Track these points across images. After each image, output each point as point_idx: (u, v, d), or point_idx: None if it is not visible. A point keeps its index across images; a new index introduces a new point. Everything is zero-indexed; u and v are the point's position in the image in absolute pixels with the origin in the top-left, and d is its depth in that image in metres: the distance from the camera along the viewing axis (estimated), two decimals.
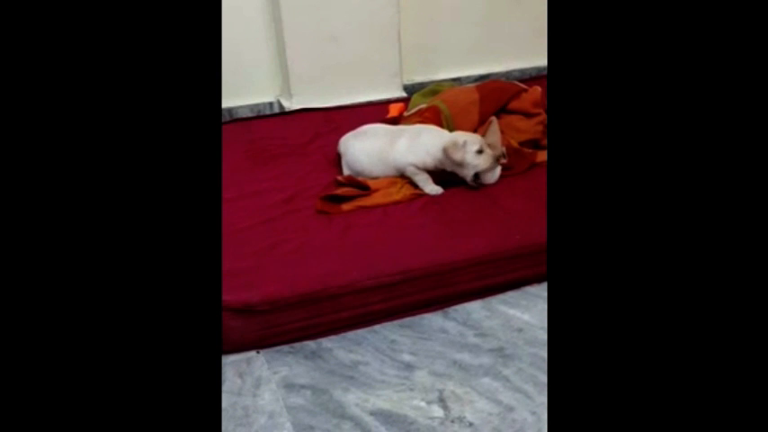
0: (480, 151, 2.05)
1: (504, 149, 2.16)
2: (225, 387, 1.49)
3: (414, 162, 2.11)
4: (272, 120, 2.84)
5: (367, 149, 2.21)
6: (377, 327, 1.67)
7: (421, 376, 1.50)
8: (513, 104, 2.42)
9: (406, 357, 1.56)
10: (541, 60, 3.29)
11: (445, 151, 2.05)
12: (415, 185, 2.12)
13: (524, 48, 3.31)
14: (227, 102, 2.91)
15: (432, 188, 2.11)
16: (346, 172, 2.24)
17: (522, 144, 2.26)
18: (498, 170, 2.15)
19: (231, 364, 1.56)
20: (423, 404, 1.42)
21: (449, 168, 2.10)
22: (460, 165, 2.07)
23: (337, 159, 2.33)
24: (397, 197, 2.07)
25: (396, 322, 1.69)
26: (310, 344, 1.63)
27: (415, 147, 2.13)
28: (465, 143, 2.05)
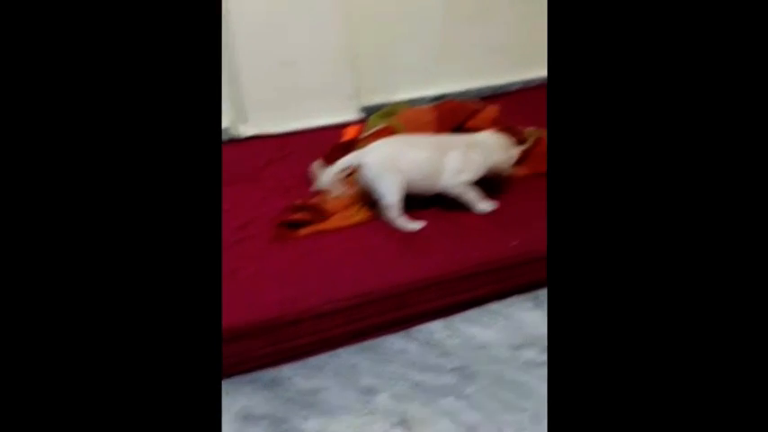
0: None
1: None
2: None
3: (467, 180, 2.05)
4: (225, 147, 2.80)
5: (419, 162, 2.02)
6: (338, 351, 1.64)
7: (382, 399, 1.47)
8: (470, 124, 2.43)
9: (368, 381, 1.53)
10: (496, 79, 3.33)
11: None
12: (372, 206, 2.09)
13: (479, 67, 3.35)
14: None
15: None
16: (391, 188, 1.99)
17: None
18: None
19: None
20: (385, 428, 1.39)
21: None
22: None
23: (306, 182, 2.30)
24: (355, 219, 2.04)
25: (357, 346, 1.65)
26: (269, 372, 1.58)
27: (467, 162, 2.04)
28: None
